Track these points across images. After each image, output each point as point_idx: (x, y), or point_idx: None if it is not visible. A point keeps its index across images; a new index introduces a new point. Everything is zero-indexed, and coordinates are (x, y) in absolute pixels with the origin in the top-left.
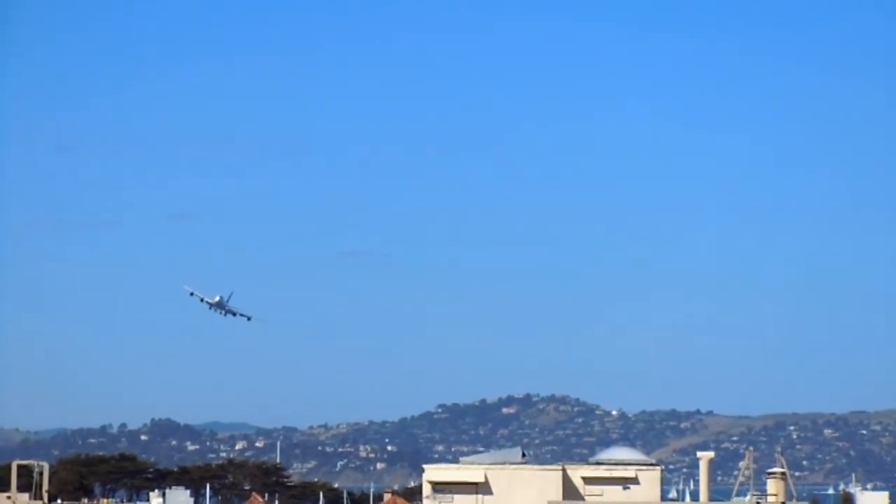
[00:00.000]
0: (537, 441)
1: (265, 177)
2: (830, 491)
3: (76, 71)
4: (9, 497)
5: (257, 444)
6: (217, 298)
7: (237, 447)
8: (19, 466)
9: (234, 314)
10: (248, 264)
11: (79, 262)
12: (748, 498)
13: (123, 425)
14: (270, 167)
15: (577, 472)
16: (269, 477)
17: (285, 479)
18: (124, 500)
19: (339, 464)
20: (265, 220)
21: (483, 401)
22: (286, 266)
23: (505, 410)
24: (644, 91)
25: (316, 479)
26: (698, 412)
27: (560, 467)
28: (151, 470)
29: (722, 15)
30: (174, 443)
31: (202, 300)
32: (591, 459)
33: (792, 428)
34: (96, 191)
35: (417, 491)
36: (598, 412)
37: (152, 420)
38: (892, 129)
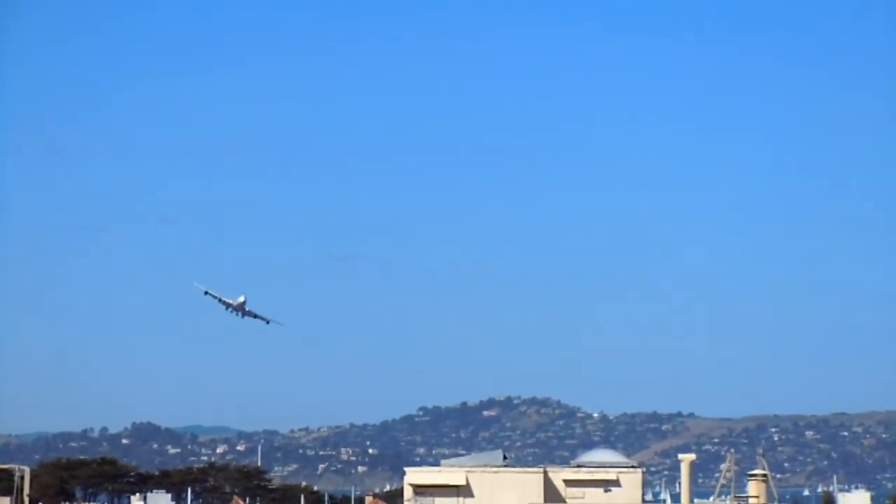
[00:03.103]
0: (519, 444)
1: (252, 182)
2: (806, 492)
3: (70, 77)
4: None
5: (238, 448)
6: (242, 299)
7: (218, 451)
8: (0, 470)
9: (255, 316)
10: (231, 267)
11: (61, 266)
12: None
13: (105, 429)
14: (258, 173)
15: (558, 475)
16: (250, 480)
17: (266, 483)
18: None
19: (321, 467)
20: (250, 224)
21: (464, 403)
22: (268, 269)
23: (486, 413)
24: (638, 94)
25: (297, 483)
26: (680, 414)
27: (541, 470)
28: (133, 474)
29: (722, 15)
30: (155, 446)
31: (220, 300)
32: (573, 462)
33: (773, 430)
34: (86, 195)
35: (399, 494)
36: (579, 414)
37: (133, 424)
38: (878, 135)
